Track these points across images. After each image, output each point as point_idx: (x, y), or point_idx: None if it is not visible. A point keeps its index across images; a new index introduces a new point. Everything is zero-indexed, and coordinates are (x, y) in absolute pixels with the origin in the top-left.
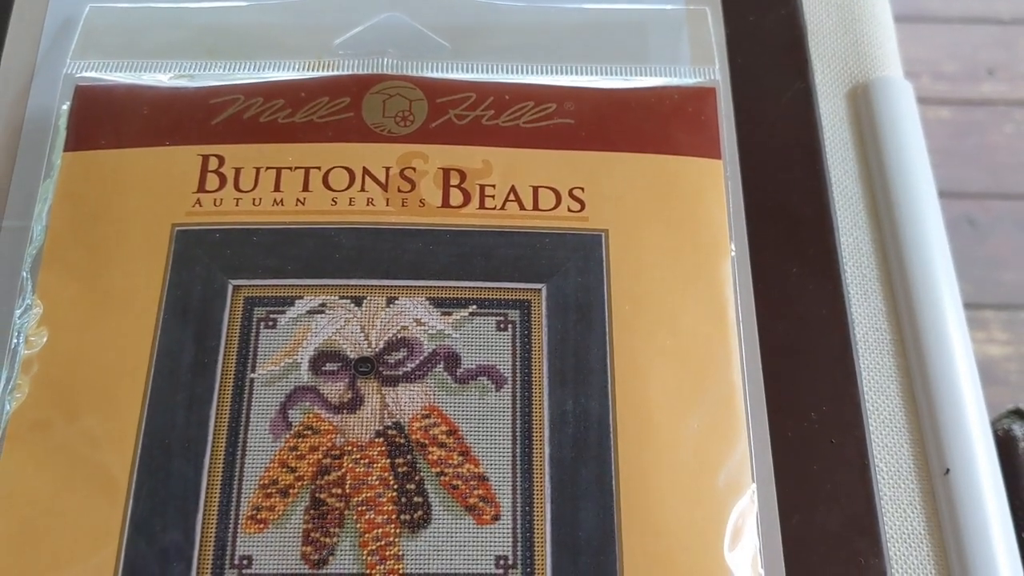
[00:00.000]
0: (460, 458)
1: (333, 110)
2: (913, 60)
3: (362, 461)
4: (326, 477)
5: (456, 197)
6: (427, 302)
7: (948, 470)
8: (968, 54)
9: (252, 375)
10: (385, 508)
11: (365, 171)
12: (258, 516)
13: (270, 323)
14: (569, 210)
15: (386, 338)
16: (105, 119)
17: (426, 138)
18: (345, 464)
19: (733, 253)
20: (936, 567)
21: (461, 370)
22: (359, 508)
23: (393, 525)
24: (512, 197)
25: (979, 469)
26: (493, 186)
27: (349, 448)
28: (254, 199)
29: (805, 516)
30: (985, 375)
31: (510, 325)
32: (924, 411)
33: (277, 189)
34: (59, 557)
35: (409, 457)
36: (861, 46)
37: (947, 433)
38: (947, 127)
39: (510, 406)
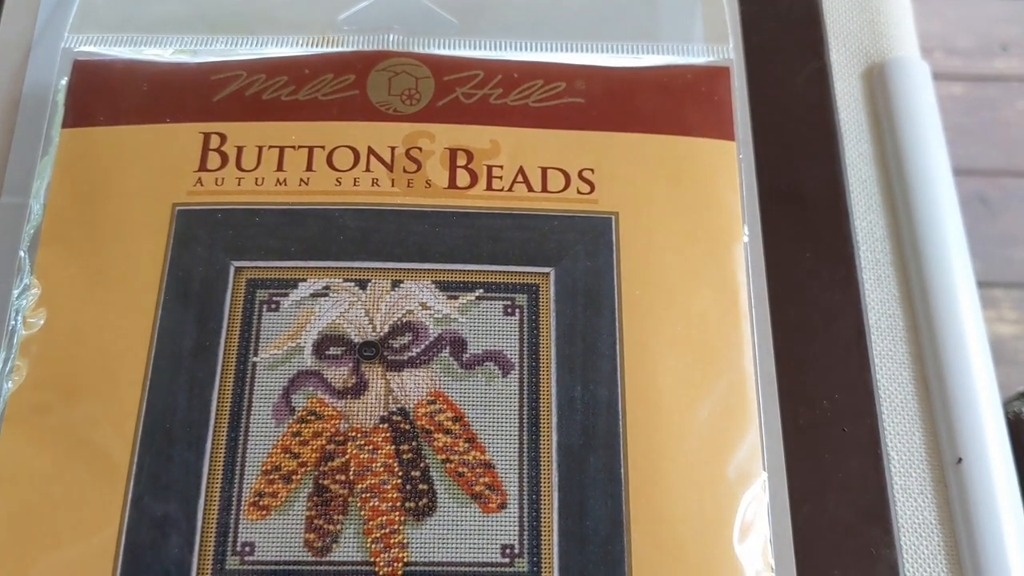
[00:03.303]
0: (466, 445)
1: (337, 88)
2: (926, 35)
3: (366, 447)
4: (329, 463)
5: (463, 178)
6: (433, 285)
7: (960, 459)
8: (982, 29)
9: (254, 359)
10: (389, 495)
11: (370, 151)
12: (260, 502)
13: (273, 306)
14: (578, 192)
15: (391, 322)
16: (104, 95)
17: (433, 117)
18: (349, 450)
19: (746, 237)
20: (947, 557)
21: (467, 355)
22: (363, 495)
23: (398, 513)
24: (520, 178)
25: (991, 458)
26: (501, 167)
27: (353, 434)
28: (257, 178)
29: (816, 505)
30: (995, 355)
31: (517, 310)
32: (937, 399)
33: (280, 168)
34: (59, 538)
35: (414, 443)
36: (877, 24)
37: (960, 421)
38: (960, 103)
39: (517, 392)
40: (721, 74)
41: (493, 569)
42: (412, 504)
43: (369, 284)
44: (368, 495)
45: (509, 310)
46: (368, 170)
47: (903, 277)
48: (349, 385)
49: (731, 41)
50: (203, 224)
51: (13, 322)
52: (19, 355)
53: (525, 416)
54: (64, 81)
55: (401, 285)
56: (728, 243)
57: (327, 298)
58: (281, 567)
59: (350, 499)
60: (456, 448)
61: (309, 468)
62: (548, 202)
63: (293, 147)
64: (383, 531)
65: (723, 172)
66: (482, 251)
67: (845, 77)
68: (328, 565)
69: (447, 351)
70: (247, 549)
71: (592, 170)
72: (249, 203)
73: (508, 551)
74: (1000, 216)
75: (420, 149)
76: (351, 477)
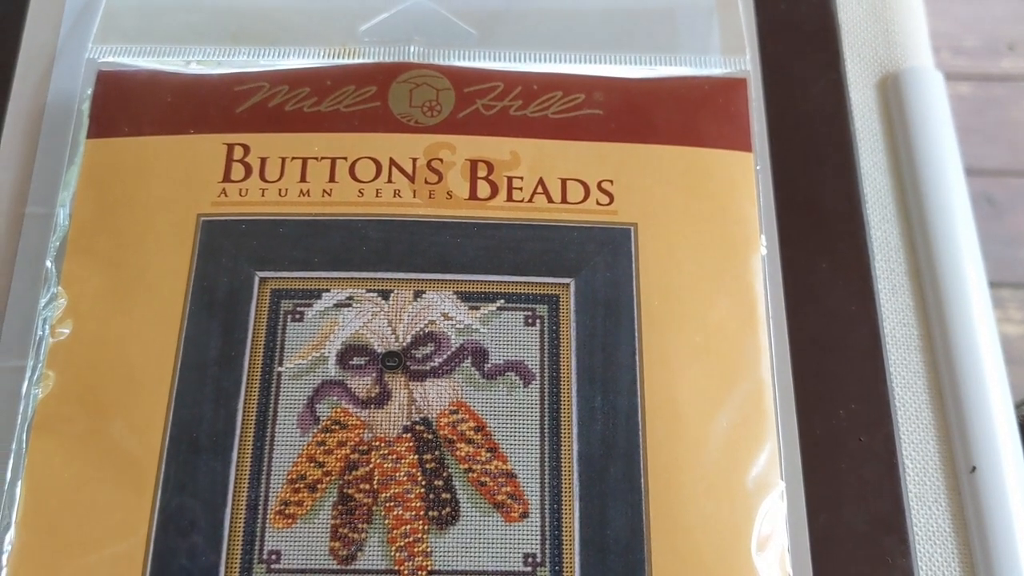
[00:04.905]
0: (488, 454)
1: (359, 99)
2: (933, 35)
3: (390, 456)
4: (354, 472)
5: (483, 189)
6: (454, 296)
7: (974, 468)
8: (988, 29)
9: (279, 369)
10: (413, 504)
11: (392, 162)
12: (286, 511)
13: (297, 316)
14: (598, 203)
15: (413, 332)
16: (128, 106)
17: (453, 128)
18: (373, 459)
19: (763, 248)
20: (961, 564)
21: (489, 365)
22: (387, 504)
23: (421, 521)
24: (540, 189)
25: (1005, 467)
26: (521, 178)
27: (377, 443)
28: (280, 189)
29: (833, 514)
30: (1003, 355)
31: (538, 320)
32: (951, 409)
33: (303, 179)
34: (87, 545)
35: (437, 453)
36: (891, 34)
37: (974, 431)
38: (966, 103)
39: (538, 402)
40: (738, 85)
41: None
42: (435, 513)
43: (392, 295)
44: (392, 504)
45: (530, 320)
46: (390, 181)
47: (918, 287)
48: (372, 395)
49: (748, 52)
50: (227, 235)
51: (41, 332)
52: (47, 364)
53: (546, 426)
54: (89, 92)
55: (423, 296)
56: (746, 254)
57: (350, 308)
58: (307, 575)
59: (374, 508)
60: (478, 457)
61: (334, 477)
62: (568, 213)
63: (316, 158)
64: (407, 539)
65: (740, 183)
66: (503, 262)
67: (860, 87)
68: (353, 573)
69: (469, 361)
70: (273, 557)
71: (611, 181)
72: (273, 214)
73: (530, 560)
74: (1007, 216)
75: (441, 160)
76: (375, 486)
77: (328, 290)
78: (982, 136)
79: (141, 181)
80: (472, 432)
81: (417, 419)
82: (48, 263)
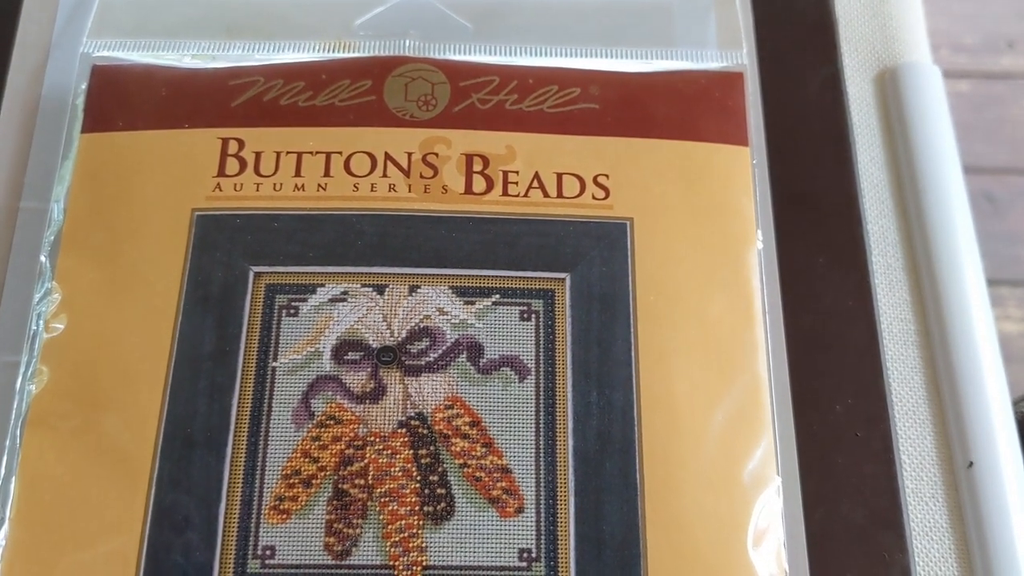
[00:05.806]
0: (483, 450)
1: (354, 93)
2: (933, 32)
3: (385, 452)
4: (349, 468)
5: (479, 183)
6: (450, 291)
7: (971, 463)
8: (988, 26)
9: (274, 363)
10: (408, 499)
11: (387, 156)
12: (281, 506)
13: (292, 311)
14: (594, 197)
15: (408, 327)
16: (123, 100)
17: (449, 123)
18: (368, 455)
19: (760, 242)
20: (958, 560)
21: (484, 360)
22: (382, 499)
23: (416, 517)
24: (536, 184)
25: (1002, 462)
26: (516, 172)
27: (372, 438)
28: (275, 184)
29: (830, 509)
30: (1001, 352)
31: (533, 315)
32: (948, 404)
33: (298, 174)
34: (81, 540)
35: (432, 448)
36: (889, 29)
37: (971, 426)
38: (966, 101)
39: (533, 397)
40: (735, 79)
41: (511, 573)
42: (430, 508)
43: (387, 289)
44: (387, 499)
45: (525, 315)
46: (385, 176)
47: (915, 282)
48: (367, 390)
49: (745, 47)
50: (222, 229)
51: (35, 327)
52: (41, 360)
53: (541, 421)
54: (83, 86)
55: (418, 290)
56: (742, 248)
57: (345, 303)
58: (301, 570)
59: (369, 503)
60: (473, 453)
61: (329, 472)
62: (563, 207)
63: (311, 153)
64: (402, 535)
65: (737, 177)
66: (498, 256)
67: (857, 82)
68: (348, 568)
69: (464, 356)
70: (268, 552)
71: (607, 175)
72: (267, 208)
73: (525, 555)
74: (1006, 214)
75: (436, 155)
76: (370, 481)
77: (323, 285)
78: (982, 134)
79: (136, 175)
80: (467, 427)
81: (412, 414)
82: (42, 258)
